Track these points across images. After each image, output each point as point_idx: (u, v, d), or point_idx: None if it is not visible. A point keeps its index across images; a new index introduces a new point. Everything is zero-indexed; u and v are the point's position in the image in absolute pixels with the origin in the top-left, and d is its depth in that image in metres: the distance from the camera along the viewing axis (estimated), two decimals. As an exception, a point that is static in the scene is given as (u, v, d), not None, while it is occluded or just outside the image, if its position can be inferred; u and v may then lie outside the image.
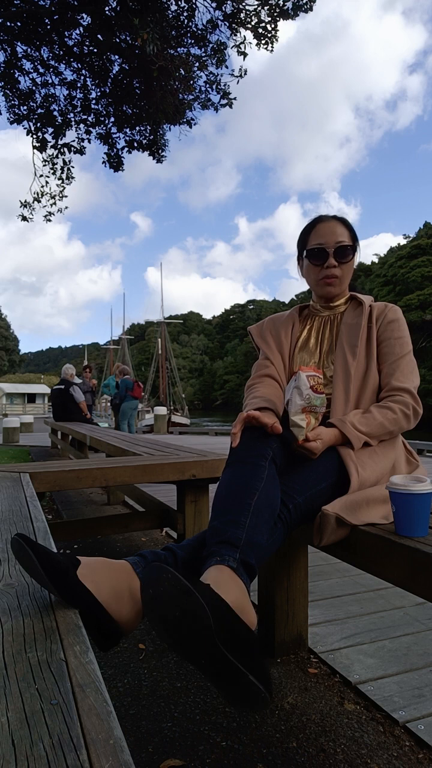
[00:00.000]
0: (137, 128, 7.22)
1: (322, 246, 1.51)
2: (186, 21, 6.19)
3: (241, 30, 6.26)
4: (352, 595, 2.28)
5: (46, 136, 7.18)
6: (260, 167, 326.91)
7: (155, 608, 0.79)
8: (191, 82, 6.45)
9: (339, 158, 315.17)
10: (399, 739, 1.37)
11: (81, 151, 7.30)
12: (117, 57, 6.54)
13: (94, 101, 7.07)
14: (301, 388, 1.27)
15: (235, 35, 6.32)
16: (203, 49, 6.38)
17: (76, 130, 7.21)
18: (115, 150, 7.44)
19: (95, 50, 6.45)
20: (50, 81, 6.95)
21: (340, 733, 1.39)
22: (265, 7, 6.03)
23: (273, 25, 6.16)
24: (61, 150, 7.27)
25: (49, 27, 6.21)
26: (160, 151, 7.34)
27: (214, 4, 5.95)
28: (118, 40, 6.00)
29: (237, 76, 6.43)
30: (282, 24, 5.99)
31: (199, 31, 6.26)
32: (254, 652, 0.77)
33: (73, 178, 7.62)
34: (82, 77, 6.91)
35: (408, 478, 1.19)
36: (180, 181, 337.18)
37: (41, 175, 7.50)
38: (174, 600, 0.75)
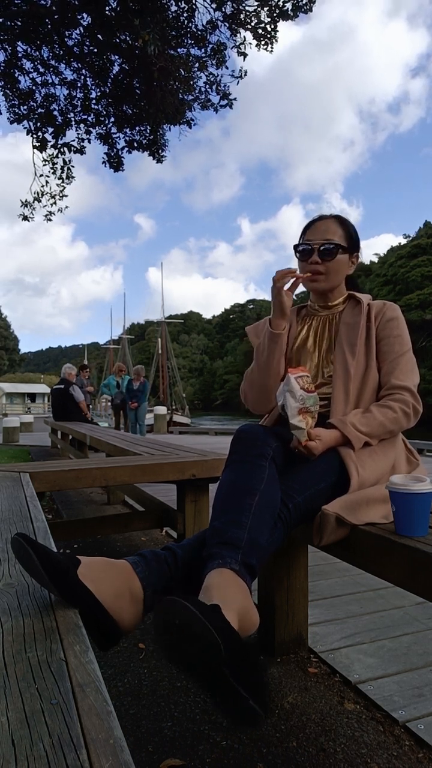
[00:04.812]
0: (137, 128, 7.21)
1: (309, 243, 1.52)
2: (186, 21, 6.18)
3: (241, 31, 6.26)
4: (351, 595, 2.29)
5: (46, 135, 7.16)
6: (263, 170, 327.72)
7: (167, 640, 0.79)
8: (191, 82, 6.44)
9: (342, 160, 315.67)
10: (399, 739, 1.37)
11: (81, 151, 7.30)
12: (117, 57, 6.53)
13: (94, 101, 7.05)
14: (293, 390, 1.29)
15: (235, 36, 6.32)
16: (203, 50, 6.37)
17: (76, 130, 7.20)
18: (115, 150, 7.43)
19: (95, 50, 6.44)
20: (50, 81, 6.93)
21: (340, 733, 1.39)
22: (265, 8, 6.03)
23: (273, 26, 6.14)
24: (61, 150, 7.26)
25: (49, 27, 6.20)
26: (160, 151, 7.32)
27: (213, 5, 5.94)
28: (118, 40, 5.99)
29: (237, 77, 6.43)
30: (284, 26, 6.01)
31: (199, 32, 6.25)
32: (257, 676, 0.77)
33: (73, 177, 7.61)
34: (82, 77, 6.90)
35: (408, 478, 1.19)
36: (184, 183, 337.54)
37: (41, 175, 7.50)
38: (188, 634, 0.75)
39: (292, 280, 1.47)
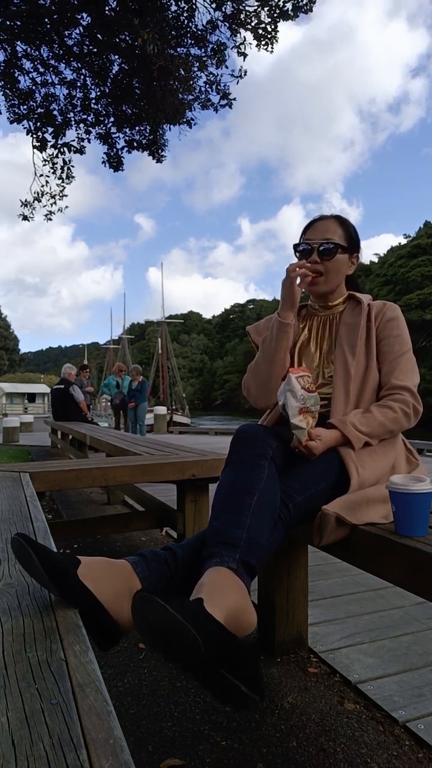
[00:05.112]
0: (137, 128, 7.22)
1: (308, 242, 1.52)
2: (186, 21, 6.18)
3: (241, 31, 6.26)
4: (351, 595, 2.29)
5: (46, 135, 7.17)
6: (264, 170, 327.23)
7: (147, 637, 0.82)
8: (191, 82, 6.45)
9: (342, 160, 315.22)
10: (399, 739, 1.37)
11: (81, 151, 7.30)
12: (117, 57, 6.53)
13: (93, 101, 7.06)
14: (294, 390, 1.28)
15: (235, 36, 6.32)
16: (203, 50, 6.37)
17: (76, 130, 7.21)
18: (114, 150, 7.44)
19: (95, 50, 6.44)
20: (50, 80, 6.94)
21: (340, 733, 1.39)
22: (265, 8, 6.02)
23: (273, 26, 6.14)
24: (61, 149, 7.26)
25: (49, 26, 6.20)
26: (159, 151, 7.33)
27: (213, 5, 5.94)
28: (118, 40, 6.00)
29: (237, 77, 6.43)
30: (284, 26, 6.02)
31: (199, 32, 6.25)
32: (247, 663, 0.79)
33: (73, 177, 7.62)
34: (82, 77, 6.90)
35: (408, 478, 1.19)
36: (185, 183, 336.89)
37: (41, 175, 7.51)
38: (163, 630, 0.78)
39: (299, 279, 1.47)
